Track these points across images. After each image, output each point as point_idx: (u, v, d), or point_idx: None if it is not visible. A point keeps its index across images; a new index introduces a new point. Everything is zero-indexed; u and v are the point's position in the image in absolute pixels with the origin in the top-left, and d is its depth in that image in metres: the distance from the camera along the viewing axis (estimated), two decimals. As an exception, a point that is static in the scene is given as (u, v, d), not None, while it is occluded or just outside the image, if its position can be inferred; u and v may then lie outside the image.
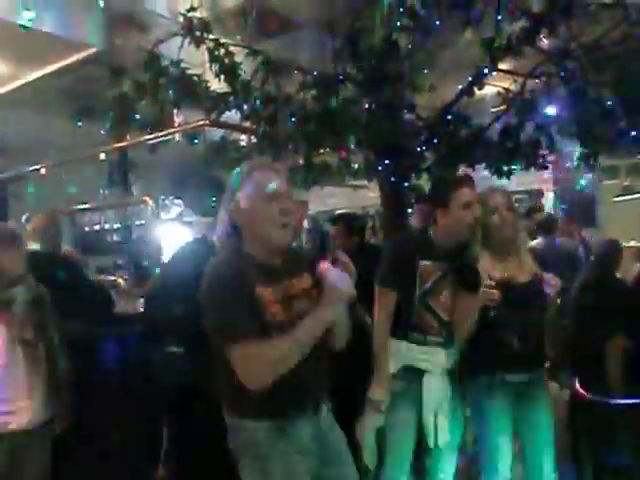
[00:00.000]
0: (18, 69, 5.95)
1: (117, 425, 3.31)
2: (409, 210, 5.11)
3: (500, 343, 2.67)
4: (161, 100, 4.71)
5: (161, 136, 5.39)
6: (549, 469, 2.71)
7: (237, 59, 4.60)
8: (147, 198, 6.11)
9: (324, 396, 2.07)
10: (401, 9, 3.99)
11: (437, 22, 4.31)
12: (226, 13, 5.63)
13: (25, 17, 4.62)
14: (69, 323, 3.03)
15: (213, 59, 4.54)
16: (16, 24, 4.80)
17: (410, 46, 4.17)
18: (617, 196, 8.79)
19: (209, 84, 4.68)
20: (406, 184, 5.03)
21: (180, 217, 6.47)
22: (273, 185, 1.97)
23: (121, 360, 3.53)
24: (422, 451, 2.71)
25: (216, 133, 5.64)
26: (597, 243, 4.38)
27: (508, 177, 5.17)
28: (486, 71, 4.67)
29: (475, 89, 4.86)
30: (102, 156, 6.62)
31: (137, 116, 4.98)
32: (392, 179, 4.93)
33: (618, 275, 3.95)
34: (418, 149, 4.97)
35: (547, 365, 2.88)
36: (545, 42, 4.69)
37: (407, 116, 4.99)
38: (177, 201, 6.72)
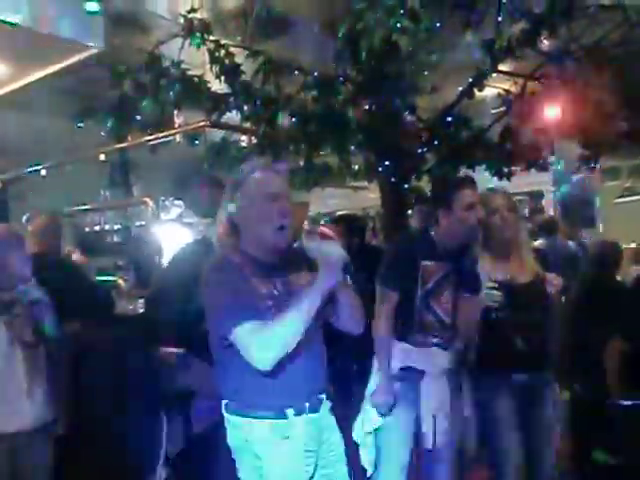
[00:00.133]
0: (19, 70, 5.96)
1: (117, 425, 3.31)
2: (409, 211, 5.12)
3: (504, 344, 2.68)
4: (162, 101, 4.71)
5: (162, 137, 5.41)
6: (549, 466, 2.73)
7: (238, 60, 4.60)
8: (147, 199, 6.12)
9: (324, 395, 2.07)
10: (402, 10, 4.00)
11: (438, 24, 4.31)
12: (226, 14, 5.63)
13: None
14: (69, 324, 3.03)
15: (214, 60, 4.55)
16: (17, 24, 4.80)
17: (411, 48, 4.17)
18: (618, 197, 8.79)
19: (210, 85, 4.69)
20: (406, 185, 5.04)
21: (180, 218, 6.46)
22: (272, 186, 1.98)
23: (121, 360, 3.53)
24: (420, 452, 2.71)
25: (217, 134, 5.65)
26: (594, 244, 4.37)
27: (508, 178, 5.18)
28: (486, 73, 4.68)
29: (475, 91, 4.87)
30: (103, 157, 6.64)
31: (138, 117, 4.99)
32: (392, 180, 4.94)
33: (618, 277, 3.95)
34: (418, 150, 4.99)
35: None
36: (545, 44, 4.71)
37: (407, 117, 4.99)
38: (177, 202, 6.71)
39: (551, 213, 8.67)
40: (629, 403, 3.23)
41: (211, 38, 4.53)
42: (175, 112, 5.16)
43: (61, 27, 5.08)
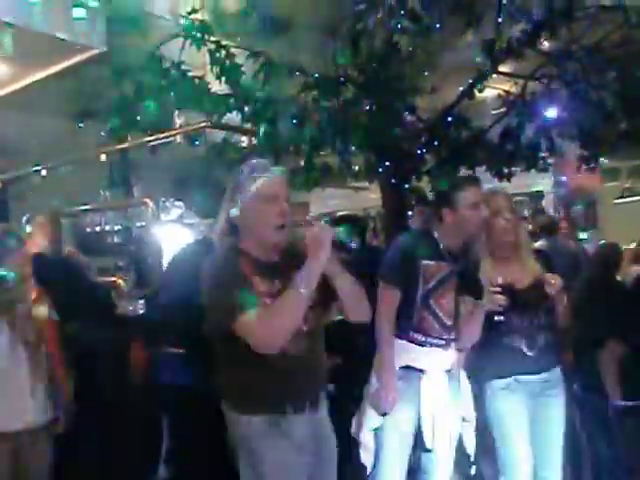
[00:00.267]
0: (20, 70, 5.96)
1: (117, 425, 3.31)
2: (410, 212, 5.12)
3: (509, 348, 2.69)
4: (162, 102, 4.71)
5: (162, 137, 5.41)
6: (557, 464, 2.73)
7: (238, 61, 4.60)
8: (148, 200, 6.12)
9: (323, 393, 2.08)
10: (402, 11, 4.00)
11: (438, 24, 4.32)
12: (227, 15, 5.63)
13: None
14: (70, 324, 3.04)
15: (214, 61, 4.55)
16: (17, 25, 4.80)
17: (411, 48, 4.18)
18: (618, 198, 8.79)
19: (210, 86, 4.69)
20: (407, 186, 5.04)
21: (181, 219, 6.46)
22: (272, 188, 2.00)
23: (121, 361, 3.53)
24: (420, 451, 2.71)
25: (217, 135, 5.65)
26: (596, 245, 4.38)
27: (509, 179, 5.18)
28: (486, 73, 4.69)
29: (476, 91, 4.87)
30: (103, 157, 6.63)
31: (138, 118, 4.99)
32: (393, 181, 4.94)
33: (618, 277, 3.95)
34: (419, 151, 4.98)
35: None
36: (546, 44, 4.71)
37: (407, 118, 4.99)
38: (178, 203, 6.70)
39: (551, 213, 8.67)
40: (629, 403, 3.24)
41: (212, 39, 4.53)
42: (176, 113, 5.16)
43: (62, 28, 5.08)
